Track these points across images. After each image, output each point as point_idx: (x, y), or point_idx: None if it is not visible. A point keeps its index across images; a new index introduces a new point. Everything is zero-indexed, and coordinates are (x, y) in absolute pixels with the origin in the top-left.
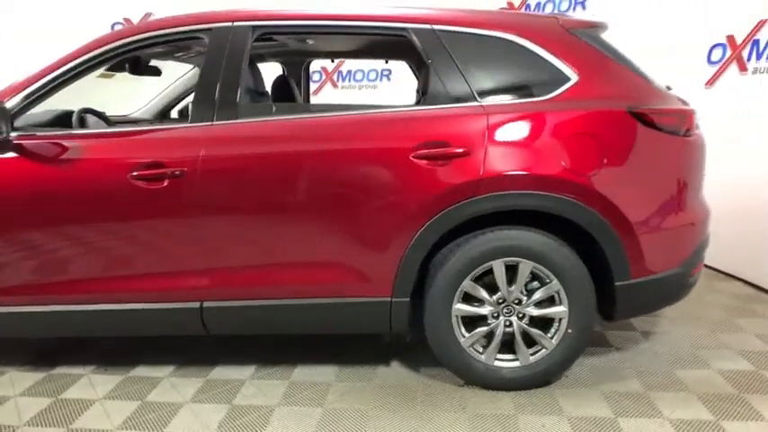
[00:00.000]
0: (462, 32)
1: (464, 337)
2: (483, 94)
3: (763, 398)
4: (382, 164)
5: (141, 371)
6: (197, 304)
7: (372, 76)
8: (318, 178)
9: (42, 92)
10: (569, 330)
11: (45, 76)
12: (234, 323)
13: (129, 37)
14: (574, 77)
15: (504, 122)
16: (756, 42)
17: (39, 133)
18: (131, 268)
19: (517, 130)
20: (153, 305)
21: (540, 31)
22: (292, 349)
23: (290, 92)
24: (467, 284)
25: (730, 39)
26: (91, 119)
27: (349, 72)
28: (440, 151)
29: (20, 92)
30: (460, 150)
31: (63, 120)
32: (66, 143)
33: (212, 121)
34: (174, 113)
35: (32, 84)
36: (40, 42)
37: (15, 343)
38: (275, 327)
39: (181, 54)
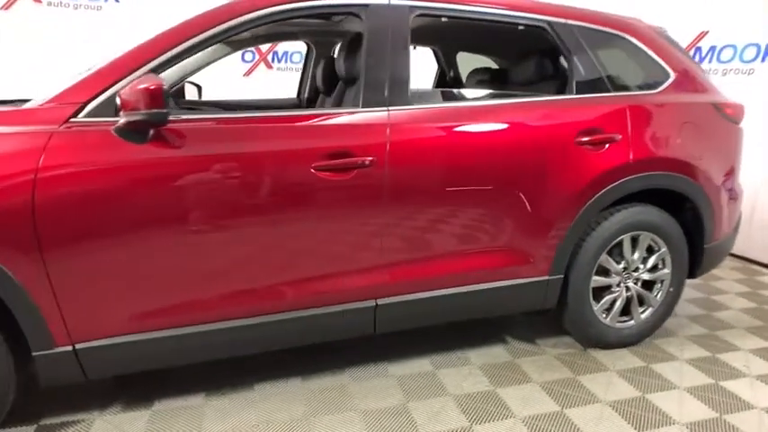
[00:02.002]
0: (591, 29)
1: (596, 305)
2: (614, 86)
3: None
4: (552, 149)
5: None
6: (372, 302)
7: None
8: (496, 165)
9: (165, 66)
10: (671, 289)
11: (169, 48)
12: (405, 319)
13: (277, 5)
14: (672, 75)
15: (640, 112)
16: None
17: (191, 116)
18: (313, 270)
19: (649, 119)
20: (328, 309)
21: (646, 32)
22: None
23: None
24: (603, 258)
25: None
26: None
27: (285, 53)
28: (597, 137)
29: (136, 69)
30: (613, 136)
31: None
32: (227, 127)
33: (387, 106)
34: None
35: (154, 59)
36: None
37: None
38: (440, 317)
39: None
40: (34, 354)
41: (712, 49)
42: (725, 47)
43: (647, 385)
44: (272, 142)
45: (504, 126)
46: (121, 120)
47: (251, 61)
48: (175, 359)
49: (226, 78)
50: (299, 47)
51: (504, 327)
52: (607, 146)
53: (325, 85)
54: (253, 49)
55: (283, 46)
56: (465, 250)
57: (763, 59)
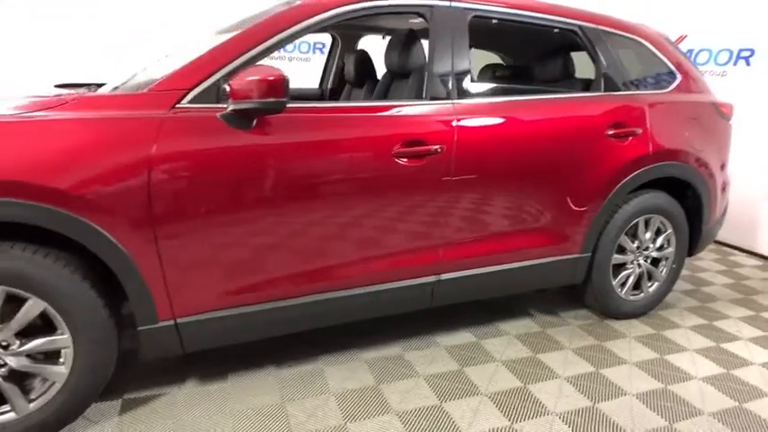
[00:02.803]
0: (613, 33)
1: (614, 280)
2: (633, 85)
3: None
4: (588, 140)
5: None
6: (433, 278)
7: (304, 48)
8: (542, 153)
9: (259, 58)
10: (674, 265)
11: (263, 41)
12: (459, 293)
13: (357, 3)
14: (678, 76)
15: (656, 108)
16: None
17: (291, 105)
18: (387, 248)
19: (662, 115)
20: (397, 284)
21: (656, 37)
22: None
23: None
24: (622, 238)
25: None
26: None
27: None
28: (623, 131)
29: (234, 59)
30: (635, 130)
31: None
32: (326, 116)
33: (452, 99)
34: None
35: (245, 53)
36: None
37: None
38: (489, 292)
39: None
40: (140, 328)
41: (689, 51)
42: (701, 50)
43: (663, 348)
44: (360, 129)
45: (549, 118)
46: (232, 107)
47: None
48: (262, 332)
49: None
50: None
51: (526, 302)
52: (630, 138)
53: (357, 77)
54: None
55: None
56: (514, 230)
57: (735, 63)
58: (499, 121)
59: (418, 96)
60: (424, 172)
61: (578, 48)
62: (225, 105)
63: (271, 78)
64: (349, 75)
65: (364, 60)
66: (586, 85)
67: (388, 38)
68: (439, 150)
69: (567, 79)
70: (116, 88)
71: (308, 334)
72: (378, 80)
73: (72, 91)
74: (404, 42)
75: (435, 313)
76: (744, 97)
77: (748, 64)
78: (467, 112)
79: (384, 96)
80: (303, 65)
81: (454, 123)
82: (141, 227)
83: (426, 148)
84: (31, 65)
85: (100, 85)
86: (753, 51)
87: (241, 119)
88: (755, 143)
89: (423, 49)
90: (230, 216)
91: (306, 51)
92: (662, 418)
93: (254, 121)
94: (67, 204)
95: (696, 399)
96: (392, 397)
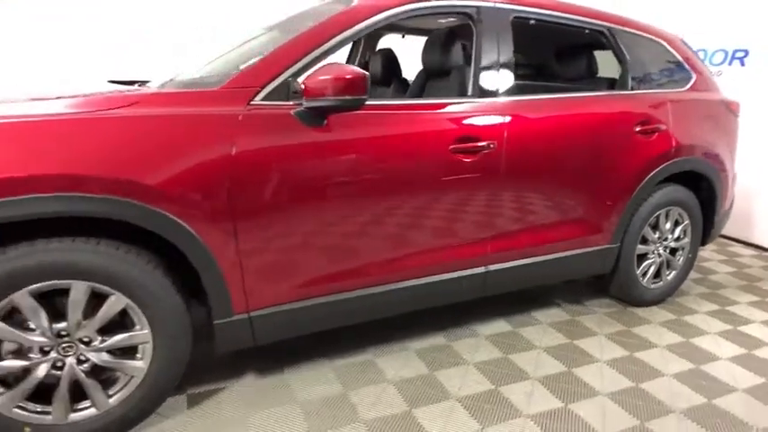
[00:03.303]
0: (637, 34)
1: (638, 269)
2: (658, 84)
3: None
4: (620, 136)
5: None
6: (483, 269)
7: None
8: (581, 148)
9: (323, 57)
10: (690, 255)
11: (322, 43)
12: (507, 283)
13: (411, 4)
14: (693, 76)
15: (676, 106)
16: None
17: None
18: (445, 239)
19: (682, 112)
20: (453, 274)
21: (674, 38)
22: None
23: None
24: (645, 229)
25: None
26: None
27: None
28: (649, 127)
29: (301, 57)
30: (659, 126)
31: None
32: (391, 113)
33: (500, 96)
34: None
35: (312, 51)
36: None
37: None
38: (533, 281)
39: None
40: (215, 322)
41: None
42: (697, 51)
43: (687, 332)
44: (422, 125)
45: (586, 115)
46: (309, 104)
47: None
48: (327, 324)
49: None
50: None
51: (551, 293)
52: (655, 135)
53: (384, 75)
54: None
55: None
56: (555, 222)
57: (729, 63)
58: (543, 117)
59: (461, 94)
60: (478, 167)
61: (602, 48)
62: (297, 102)
63: (351, 77)
64: (375, 73)
65: (391, 59)
66: (610, 83)
67: (408, 37)
68: (491, 146)
69: (591, 78)
70: (163, 85)
71: (351, 327)
72: (402, 78)
73: (127, 87)
74: (443, 42)
75: (468, 305)
76: (738, 96)
77: (743, 64)
78: (514, 109)
79: (419, 94)
80: None
81: (504, 120)
82: (221, 221)
83: (480, 143)
84: (31, 65)
85: (144, 83)
86: (747, 52)
87: (314, 116)
88: (751, 140)
89: (460, 48)
90: (305, 210)
91: None
92: (701, 395)
93: (326, 118)
94: (154, 199)
95: (727, 377)
96: (449, 383)
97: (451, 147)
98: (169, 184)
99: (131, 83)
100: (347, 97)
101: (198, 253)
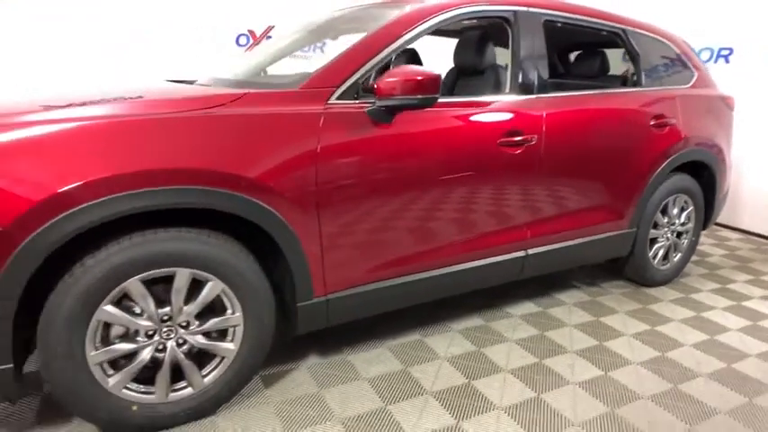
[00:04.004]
0: (649, 36)
1: (650, 252)
2: (666, 81)
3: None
4: (640, 128)
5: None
6: (523, 253)
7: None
8: (607, 141)
9: (387, 58)
10: (693, 238)
11: (387, 46)
12: (543, 266)
13: (463, 7)
14: (696, 73)
15: (684, 101)
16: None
17: None
18: (495, 225)
19: (688, 107)
20: (499, 258)
21: (678, 39)
22: None
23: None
24: (657, 215)
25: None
26: None
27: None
28: (662, 120)
29: (364, 63)
30: (670, 120)
31: None
32: (448, 109)
33: (538, 93)
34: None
35: (378, 54)
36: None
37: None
38: (564, 265)
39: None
40: (298, 304)
41: None
42: None
43: (696, 308)
44: (477, 121)
45: (611, 110)
46: (385, 103)
47: (245, 45)
48: (392, 305)
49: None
50: None
51: (569, 277)
52: (667, 128)
53: None
54: (246, 32)
55: (277, 31)
56: (585, 209)
57: (715, 61)
58: (574, 112)
59: (495, 91)
60: (521, 159)
61: (617, 47)
62: (367, 101)
63: (424, 78)
64: None
65: (416, 59)
66: (622, 80)
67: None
68: (532, 140)
69: (604, 75)
70: (206, 85)
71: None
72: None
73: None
74: (478, 42)
75: (494, 289)
76: (724, 92)
77: (727, 62)
78: (550, 105)
79: (450, 92)
80: (303, 62)
81: (542, 115)
82: (307, 211)
83: (524, 137)
84: (31, 64)
85: (191, 82)
86: (731, 50)
87: (385, 114)
88: (735, 133)
89: (493, 48)
90: (377, 200)
91: (306, 50)
92: (721, 361)
93: (395, 115)
94: (253, 191)
95: (740, 345)
96: (496, 358)
97: (500, 140)
98: (265, 177)
99: (189, 82)
100: (421, 96)
101: (288, 240)
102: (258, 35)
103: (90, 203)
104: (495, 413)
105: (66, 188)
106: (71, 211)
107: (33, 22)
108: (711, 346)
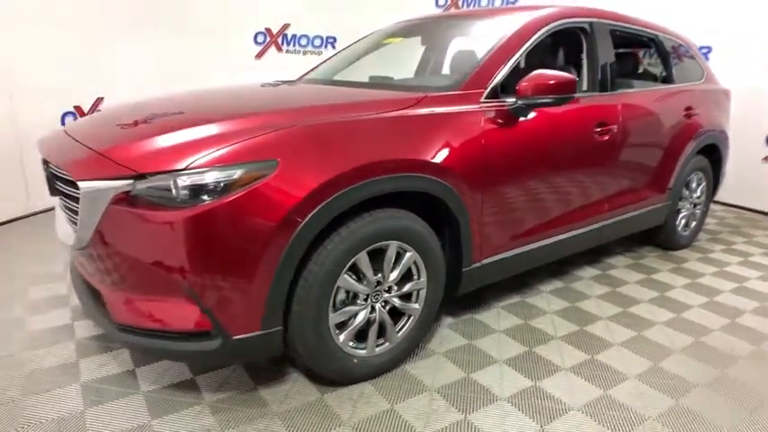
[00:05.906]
0: (673, 40)
1: (677, 221)
2: (688, 77)
3: None
4: (677, 118)
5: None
6: (602, 223)
7: (317, 42)
8: (659, 128)
9: (515, 64)
10: (705, 208)
11: (517, 51)
12: (612, 234)
13: (567, 18)
14: (705, 71)
15: (703, 95)
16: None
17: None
18: (592, 199)
19: (705, 100)
20: (590, 227)
21: (689, 41)
22: None
23: None
24: (684, 191)
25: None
26: None
27: (294, 36)
28: (690, 112)
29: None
30: (695, 110)
31: None
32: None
33: (614, 91)
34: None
35: (510, 59)
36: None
37: None
38: (625, 232)
39: None
40: (464, 269)
41: None
42: None
43: (719, 264)
44: (584, 114)
45: (660, 103)
46: (525, 101)
47: (262, 43)
48: (521, 268)
49: (238, 60)
50: (305, 30)
51: (609, 246)
52: (693, 117)
53: None
54: (264, 30)
55: (292, 30)
56: (643, 185)
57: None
58: (638, 105)
59: (580, 89)
60: (606, 144)
61: (649, 48)
62: (508, 99)
63: (565, 81)
64: None
65: None
66: (652, 77)
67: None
68: (614, 129)
69: (636, 73)
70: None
71: None
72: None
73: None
74: (553, 47)
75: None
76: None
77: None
78: (622, 100)
79: None
80: (316, 58)
81: (619, 108)
82: (476, 191)
83: (609, 127)
84: (32, 64)
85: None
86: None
87: (523, 110)
88: None
89: (562, 52)
90: (519, 182)
91: (318, 45)
92: (756, 301)
93: (531, 111)
94: (444, 176)
95: (766, 290)
96: (545, 327)
97: (595, 130)
98: (450, 164)
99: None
100: (563, 95)
101: (462, 215)
102: (275, 33)
103: (354, 186)
104: (498, 404)
105: (343, 171)
106: (344, 190)
107: (33, 22)
108: (744, 292)
